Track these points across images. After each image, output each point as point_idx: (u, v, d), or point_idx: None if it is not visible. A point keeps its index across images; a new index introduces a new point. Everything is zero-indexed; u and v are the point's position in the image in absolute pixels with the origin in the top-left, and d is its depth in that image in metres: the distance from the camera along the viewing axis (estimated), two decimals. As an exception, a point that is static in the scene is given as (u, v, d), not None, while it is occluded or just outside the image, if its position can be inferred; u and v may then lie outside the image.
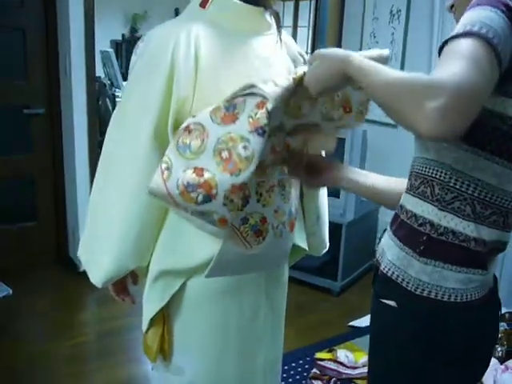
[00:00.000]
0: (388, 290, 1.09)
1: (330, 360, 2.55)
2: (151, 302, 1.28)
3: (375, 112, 3.66)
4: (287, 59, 1.30)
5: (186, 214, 1.09)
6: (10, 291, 3.13)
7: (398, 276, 1.06)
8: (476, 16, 0.85)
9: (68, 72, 3.16)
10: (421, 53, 3.28)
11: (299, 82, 1.05)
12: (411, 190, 1.08)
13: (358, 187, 1.29)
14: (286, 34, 1.32)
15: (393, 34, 3.47)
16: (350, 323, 2.98)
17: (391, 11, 3.47)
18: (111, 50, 5.77)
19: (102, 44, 6.32)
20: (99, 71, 5.51)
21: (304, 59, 1.36)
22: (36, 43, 3.28)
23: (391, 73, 0.85)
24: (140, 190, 1.14)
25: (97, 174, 1.26)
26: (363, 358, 2.56)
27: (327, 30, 4.07)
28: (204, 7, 1.18)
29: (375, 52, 1.12)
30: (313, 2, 5.56)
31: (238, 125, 1.03)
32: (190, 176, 1.03)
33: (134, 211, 1.18)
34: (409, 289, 1.04)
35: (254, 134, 1.01)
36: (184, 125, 1.09)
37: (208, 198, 1.03)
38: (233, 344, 1.32)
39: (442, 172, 1.00)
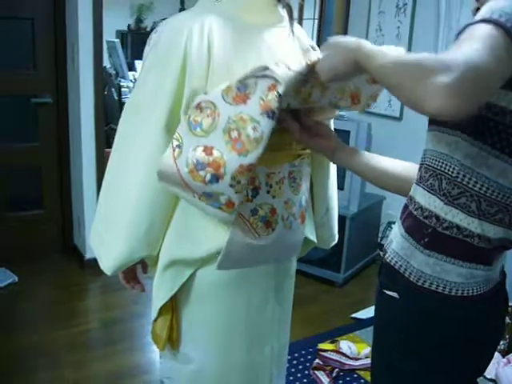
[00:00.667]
0: (391, 280, 1.11)
1: (332, 351, 2.57)
2: (161, 290, 1.28)
3: (380, 105, 3.70)
4: (299, 52, 1.31)
5: (195, 200, 1.11)
6: (16, 278, 3.15)
7: (400, 266, 1.08)
8: (496, 5, 0.84)
9: (76, 61, 3.17)
10: (427, 46, 3.28)
11: (312, 68, 1.05)
12: (420, 181, 1.08)
13: (361, 165, 1.28)
14: (298, 27, 1.33)
15: (399, 27, 3.47)
16: (353, 315, 3.00)
17: (397, 5, 3.46)
18: (117, 41, 5.77)
19: (108, 34, 6.30)
20: (105, 61, 5.51)
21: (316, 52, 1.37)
22: (44, 33, 3.29)
23: (401, 54, 0.86)
24: (152, 178, 1.15)
25: (109, 163, 1.26)
26: (366, 350, 2.59)
27: (333, 23, 4.07)
28: None
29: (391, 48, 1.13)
30: (319, -5, 5.54)
31: (249, 105, 1.04)
32: (199, 154, 1.05)
33: (146, 199, 1.19)
34: (411, 279, 1.05)
35: (264, 116, 1.02)
36: (195, 102, 1.10)
37: (216, 178, 1.04)
38: (240, 334, 1.33)
39: (450, 166, 1.00)
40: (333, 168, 1.46)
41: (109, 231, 1.26)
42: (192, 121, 1.08)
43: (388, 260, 1.12)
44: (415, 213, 1.07)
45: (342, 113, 3.58)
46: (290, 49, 1.28)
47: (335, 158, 1.30)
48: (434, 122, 1.04)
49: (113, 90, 5.05)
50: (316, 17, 5.91)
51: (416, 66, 0.80)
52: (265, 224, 1.20)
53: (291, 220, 1.26)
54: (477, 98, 0.77)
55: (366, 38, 3.69)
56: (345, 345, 2.59)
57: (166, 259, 1.25)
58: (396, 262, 1.09)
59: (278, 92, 1.02)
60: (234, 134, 1.03)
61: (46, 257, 3.40)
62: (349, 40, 0.96)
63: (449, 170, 1.00)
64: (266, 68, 1.04)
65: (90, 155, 3.28)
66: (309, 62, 1.06)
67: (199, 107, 1.08)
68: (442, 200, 1.01)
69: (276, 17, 1.25)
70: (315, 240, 1.47)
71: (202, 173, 1.05)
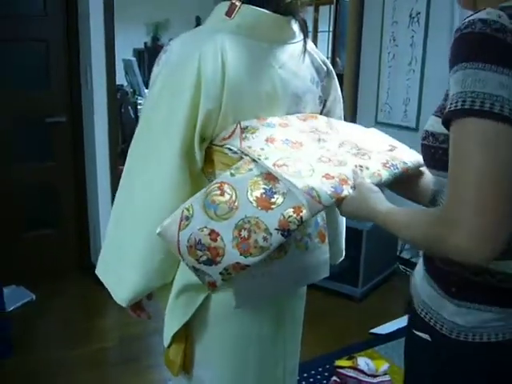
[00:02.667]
0: (421, 325, 1.01)
1: (350, 368, 2.52)
2: (175, 317, 1.25)
3: (395, 116, 3.66)
4: (311, 68, 1.29)
5: (180, 259, 1.10)
6: (33, 297, 3.17)
7: (430, 318, 0.98)
8: (470, 83, 0.75)
9: (89, 82, 3.21)
10: (441, 55, 3.24)
11: (337, 202, 1.05)
12: None
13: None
14: (310, 42, 1.30)
15: (412, 37, 3.44)
16: (372, 330, 2.95)
17: (410, 14, 3.43)
18: (133, 59, 5.85)
19: (125, 53, 6.41)
20: (122, 79, 5.59)
21: (327, 67, 1.35)
22: (58, 54, 3.34)
23: (412, 228, 0.87)
24: (165, 208, 1.12)
25: (119, 192, 1.23)
26: (384, 366, 2.53)
27: (347, 34, 4.06)
28: (230, 16, 1.15)
29: (413, 158, 1.19)
30: (332, 7, 5.55)
31: (269, 215, 1.02)
32: (203, 236, 1.03)
33: None
34: (443, 332, 0.95)
35: (279, 232, 1.01)
36: (219, 180, 1.07)
37: (210, 262, 1.04)
38: (253, 356, 1.31)
39: None
40: None
41: (121, 263, 1.23)
42: (210, 200, 1.05)
43: (415, 307, 1.03)
44: (437, 261, 0.97)
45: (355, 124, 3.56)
46: (302, 65, 1.26)
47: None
48: (433, 167, 0.96)
49: (129, 108, 5.10)
50: (330, 29, 5.92)
51: (427, 234, 0.82)
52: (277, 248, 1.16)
53: (306, 240, 1.22)
54: (505, 229, 0.74)
55: (380, 48, 3.66)
56: (362, 361, 2.53)
57: (180, 284, 1.22)
58: (426, 314, 0.99)
59: (301, 217, 1.01)
60: (245, 233, 1.02)
61: (63, 275, 3.42)
62: (367, 202, 1.00)
63: None
64: (297, 188, 1.01)
65: (105, 173, 3.30)
66: (338, 197, 1.04)
67: (221, 189, 1.05)
68: None
69: (288, 33, 1.23)
70: None
71: (199, 253, 1.04)
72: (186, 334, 1.27)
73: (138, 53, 7.50)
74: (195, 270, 1.08)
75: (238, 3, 1.14)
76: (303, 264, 1.24)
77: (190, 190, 1.14)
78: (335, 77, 1.38)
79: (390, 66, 3.63)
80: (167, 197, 1.13)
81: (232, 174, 1.06)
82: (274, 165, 1.04)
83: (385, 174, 1.12)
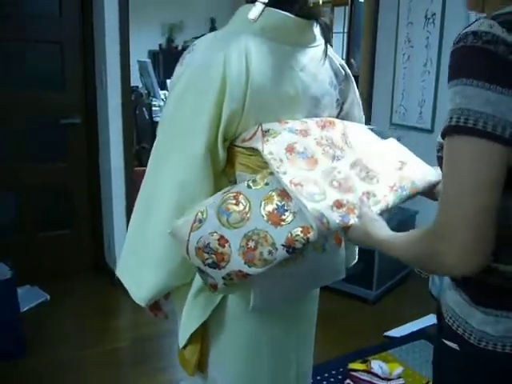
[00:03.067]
0: (450, 334, 0.99)
1: (363, 371, 2.50)
2: (192, 317, 1.25)
3: (410, 117, 3.64)
4: (330, 71, 1.30)
5: (185, 255, 1.12)
6: (48, 297, 3.20)
7: (458, 327, 0.95)
8: (458, 100, 0.76)
9: (104, 83, 3.23)
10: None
11: (344, 229, 1.09)
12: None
13: None
14: (329, 47, 1.30)
15: (428, 38, 3.41)
16: (386, 333, 2.92)
17: (426, 15, 3.40)
18: (148, 61, 5.87)
19: (140, 54, 6.44)
20: (137, 81, 5.61)
21: (345, 71, 1.35)
22: (73, 55, 3.37)
23: (410, 249, 0.90)
24: (187, 208, 1.13)
25: (141, 193, 1.23)
26: (398, 370, 2.51)
27: (362, 35, 4.04)
28: (253, 18, 1.15)
29: (423, 176, 1.23)
30: (347, 8, 5.53)
31: (278, 231, 1.05)
32: (212, 240, 1.06)
33: None
34: (471, 341, 0.93)
35: (284, 248, 1.04)
36: (236, 189, 1.09)
37: (215, 266, 1.07)
38: (266, 357, 1.31)
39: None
40: None
41: (141, 263, 1.23)
42: (224, 207, 1.08)
43: (444, 315, 1.01)
44: None
45: (370, 126, 3.53)
46: (322, 69, 1.27)
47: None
48: None
49: (144, 109, 5.12)
50: (345, 30, 5.90)
51: (423, 251, 0.85)
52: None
53: (323, 242, 1.22)
54: (490, 241, 0.77)
55: (395, 49, 3.64)
56: (376, 365, 2.51)
57: (199, 284, 1.22)
58: (454, 322, 0.97)
59: (307, 238, 1.04)
60: (252, 244, 1.05)
61: (77, 275, 3.44)
62: (370, 235, 1.03)
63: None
64: (307, 209, 1.04)
65: (119, 175, 3.31)
66: (345, 226, 1.08)
67: (236, 199, 1.08)
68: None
69: (310, 37, 1.24)
70: None
71: (206, 255, 1.07)
72: (203, 334, 1.28)
73: (152, 54, 7.53)
74: (200, 271, 1.11)
75: (261, 6, 1.14)
76: (321, 265, 1.25)
77: (212, 190, 1.15)
78: (353, 80, 1.39)
79: (405, 68, 3.60)
80: (190, 197, 1.13)
81: (249, 186, 1.09)
82: (290, 182, 1.07)
83: (391, 200, 1.16)
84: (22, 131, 3.30)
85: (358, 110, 1.42)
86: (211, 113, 1.12)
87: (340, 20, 6.05)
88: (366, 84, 3.87)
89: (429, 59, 3.43)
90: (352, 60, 5.42)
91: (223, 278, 1.08)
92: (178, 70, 1.19)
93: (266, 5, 1.14)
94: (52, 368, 2.57)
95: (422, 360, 2.66)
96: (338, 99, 1.33)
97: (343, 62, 1.36)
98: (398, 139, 3.31)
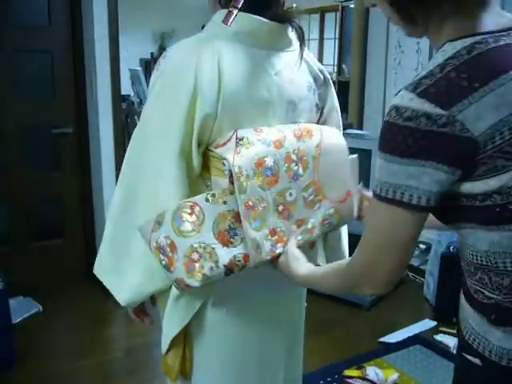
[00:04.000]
0: (471, 350, 0.96)
1: (358, 378, 2.49)
2: (173, 322, 1.25)
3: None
4: (308, 76, 1.30)
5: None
6: (41, 308, 3.17)
7: (478, 344, 0.93)
8: (384, 173, 0.82)
9: (94, 92, 3.22)
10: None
11: (273, 260, 1.17)
12: (469, 276, 0.94)
13: None
14: (307, 51, 1.31)
15: (418, 43, 3.42)
16: (381, 339, 2.91)
17: (416, 20, 3.42)
18: (140, 69, 5.86)
19: (132, 63, 6.44)
20: (128, 89, 5.61)
21: (324, 76, 1.36)
22: (63, 65, 3.36)
23: (326, 283, 1.06)
24: (163, 206, 1.13)
25: (116, 192, 1.24)
26: (393, 376, 2.50)
27: (352, 41, 4.05)
28: (226, 24, 1.16)
29: (354, 215, 1.33)
30: (338, 15, 5.55)
31: (224, 251, 1.10)
32: (165, 244, 1.10)
33: None
34: (492, 359, 0.91)
35: (225, 269, 1.10)
36: (194, 200, 1.11)
37: (167, 268, 1.11)
38: (252, 361, 1.31)
39: (484, 258, 0.88)
40: None
41: (122, 262, 1.23)
42: (179, 214, 1.10)
43: (463, 332, 0.98)
44: (475, 295, 0.94)
45: (362, 132, 3.54)
46: (298, 73, 1.27)
47: None
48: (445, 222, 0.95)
49: (136, 117, 5.12)
50: (337, 36, 5.92)
51: (343, 286, 1.01)
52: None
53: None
54: (403, 273, 0.91)
55: (386, 54, 3.65)
56: (371, 371, 2.50)
57: (178, 294, 1.22)
58: (474, 340, 0.94)
59: (245, 265, 1.12)
60: (195, 256, 1.08)
61: (69, 286, 3.40)
62: (291, 271, 1.14)
63: (487, 262, 0.89)
64: (251, 243, 1.12)
65: (111, 183, 3.30)
66: (273, 255, 1.16)
67: (192, 209, 1.10)
68: (497, 295, 0.89)
69: (285, 41, 1.24)
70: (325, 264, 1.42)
71: (161, 256, 1.11)
72: (185, 339, 1.27)
73: (144, 63, 7.54)
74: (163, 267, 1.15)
75: (234, 11, 1.14)
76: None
77: (188, 191, 1.16)
78: (332, 85, 1.40)
79: (395, 73, 3.61)
80: (166, 195, 1.14)
81: (207, 200, 1.11)
82: (245, 205, 1.10)
83: (316, 233, 1.25)
84: (13, 141, 3.29)
85: (336, 115, 1.42)
86: (183, 115, 1.12)
87: (331, 26, 6.07)
88: (358, 89, 3.88)
89: (419, 64, 3.44)
90: (343, 65, 5.44)
91: (174, 281, 1.11)
92: (154, 75, 1.21)
93: (240, 10, 1.15)
94: (44, 379, 2.54)
95: (417, 365, 2.65)
96: (317, 104, 1.33)
97: (322, 67, 1.36)
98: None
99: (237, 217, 1.11)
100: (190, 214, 1.09)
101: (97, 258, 1.30)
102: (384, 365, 2.63)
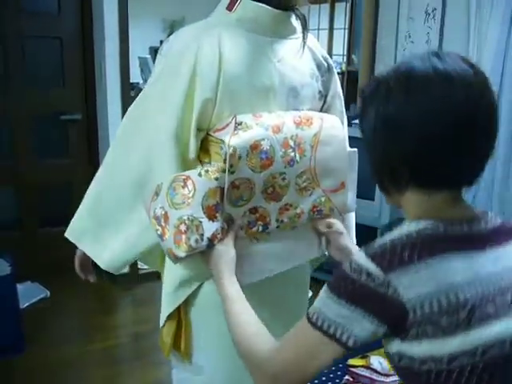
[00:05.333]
0: None
1: (363, 367, 2.50)
2: (169, 299, 1.29)
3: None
4: (312, 63, 1.31)
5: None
6: (48, 293, 3.20)
7: None
8: (324, 304, 0.88)
9: (103, 79, 3.23)
10: (458, 52, 3.20)
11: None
12: None
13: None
14: (311, 38, 1.32)
15: (428, 33, 3.39)
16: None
17: (426, 10, 3.38)
18: (148, 57, 5.83)
19: (141, 51, 6.39)
20: (138, 77, 5.59)
21: (328, 63, 1.36)
22: (73, 51, 3.37)
23: (237, 330, 1.03)
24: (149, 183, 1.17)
25: (107, 158, 1.28)
26: (397, 365, 2.50)
27: (362, 31, 4.02)
28: (230, 10, 1.19)
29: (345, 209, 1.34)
30: (348, 4, 5.50)
31: (209, 225, 1.11)
32: (159, 214, 1.13)
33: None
34: None
35: (207, 242, 1.12)
36: (188, 173, 1.13)
37: (161, 238, 1.13)
38: None
39: None
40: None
41: (104, 227, 1.28)
42: (173, 186, 1.13)
43: None
44: None
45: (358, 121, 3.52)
46: (301, 60, 1.27)
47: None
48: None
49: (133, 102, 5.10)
50: (346, 26, 5.88)
51: (247, 358, 0.99)
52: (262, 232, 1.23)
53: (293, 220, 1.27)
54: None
55: (396, 45, 3.62)
56: (376, 360, 2.51)
57: (177, 273, 1.26)
58: None
59: (222, 238, 1.13)
60: (183, 227, 1.10)
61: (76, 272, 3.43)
62: (218, 274, 1.13)
63: None
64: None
65: (119, 170, 3.31)
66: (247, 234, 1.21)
67: (185, 182, 1.12)
68: None
69: (289, 28, 1.25)
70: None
71: (157, 226, 1.13)
72: (179, 316, 1.30)
73: (153, 51, 7.51)
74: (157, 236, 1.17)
75: None
76: (291, 242, 1.29)
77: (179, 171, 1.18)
78: (335, 72, 1.40)
79: (405, 63, 3.59)
80: (156, 171, 1.17)
81: (200, 174, 1.13)
82: (231, 183, 1.13)
83: (303, 219, 1.27)
84: (22, 128, 3.31)
85: (340, 103, 1.42)
86: (181, 98, 1.14)
87: (341, 16, 6.02)
88: (367, 80, 3.85)
89: (429, 55, 3.41)
90: (353, 55, 5.40)
91: (166, 251, 1.13)
92: (157, 59, 1.25)
93: None
94: (52, 364, 2.57)
95: (421, 356, 2.66)
96: (320, 91, 1.33)
97: (326, 54, 1.37)
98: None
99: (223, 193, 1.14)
100: (183, 187, 1.11)
101: (73, 220, 1.35)
102: (388, 355, 2.63)
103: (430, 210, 0.92)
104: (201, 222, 1.10)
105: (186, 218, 1.09)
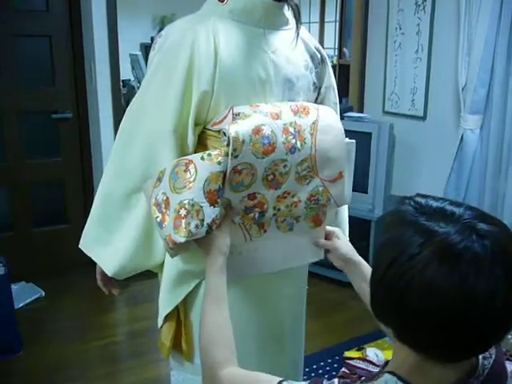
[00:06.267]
0: None
1: (359, 359, 2.50)
2: (166, 299, 1.29)
3: (403, 105, 3.61)
4: (305, 54, 1.31)
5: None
6: (43, 293, 3.19)
7: None
8: None
9: (93, 77, 3.21)
10: (448, 43, 3.20)
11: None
12: None
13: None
14: (304, 29, 1.32)
15: (418, 25, 3.39)
16: (381, 321, 2.93)
17: (416, 2, 3.37)
18: (139, 53, 5.81)
19: (132, 47, 6.37)
20: (129, 74, 5.57)
21: (321, 54, 1.36)
22: (62, 49, 3.34)
23: (207, 333, 1.03)
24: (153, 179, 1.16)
25: (110, 163, 1.27)
26: (393, 357, 2.51)
27: (353, 24, 4.02)
28: (222, 1, 1.18)
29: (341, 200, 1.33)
30: (338, -3, 5.50)
31: (210, 210, 1.09)
32: (162, 200, 1.11)
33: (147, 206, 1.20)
34: None
35: (207, 227, 1.10)
36: (190, 157, 1.11)
37: (160, 225, 1.12)
38: (252, 343, 1.32)
39: None
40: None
41: (111, 234, 1.27)
42: (175, 170, 1.11)
43: None
44: None
45: (362, 114, 3.53)
46: (295, 51, 1.27)
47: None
48: None
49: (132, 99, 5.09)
50: (337, 19, 5.87)
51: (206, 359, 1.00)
52: (258, 226, 1.23)
53: (291, 222, 1.27)
54: None
55: (386, 36, 3.62)
56: (372, 352, 2.52)
57: (175, 269, 1.25)
58: None
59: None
60: (183, 212, 1.08)
61: (71, 271, 3.40)
62: (209, 261, 1.11)
63: None
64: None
65: (112, 168, 3.30)
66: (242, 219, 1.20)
67: (187, 166, 1.10)
68: None
69: (281, 19, 1.25)
70: None
71: (157, 213, 1.12)
72: (179, 317, 1.30)
73: (144, 47, 7.47)
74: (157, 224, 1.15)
75: None
76: (288, 244, 1.28)
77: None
78: (329, 64, 1.40)
79: (396, 55, 3.58)
80: (155, 171, 1.16)
81: (202, 158, 1.11)
82: (234, 168, 1.11)
83: (300, 207, 1.25)
84: (13, 127, 3.29)
85: (334, 95, 1.42)
86: (179, 92, 1.13)
87: (332, 9, 6.01)
88: (358, 72, 3.85)
89: (420, 46, 3.41)
90: (344, 48, 5.40)
91: (164, 239, 1.11)
92: (151, 54, 1.23)
93: None
94: (49, 363, 2.57)
95: (417, 347, 2.67)
96: (314, 82, 1.33)
97: (319, 45, 1.36)
98: (391, 126, 3.32)
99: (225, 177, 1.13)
100: (185, 171, 1.09)
101: (84, 232, 1.34)
102: (385, 346, 2.64)
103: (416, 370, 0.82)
104: (202, 206, 1.08)
105: (186, 202, 1.07)
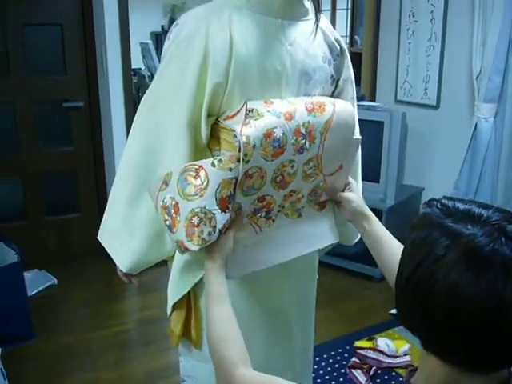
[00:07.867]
0: None
1: (369, 349, 2.51)
2: (174, 287, 1.29)
3: (416, 94, 3.56)
4: (324, 46, 1.27)
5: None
6: (55, 281, 3.22)
7: None
8: None
9: (105, 66, 3.21)
10: (461, 31, 3.15)
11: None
12: None
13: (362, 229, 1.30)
14: (324, 19, 1.28)
15: (432, 12, 3.34)
16: (392, 311, 2.92)
17: (430, -12, 3.34)
18: (150, 42, 5.80)
19: (142, 36, 6.37)
20: (139, 63, 5.57)
21: (340, 46, 1.32)
22: (73, 38, 3.34)
23: (215, 335, 1.01)
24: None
25: (123, 162, 1.26)
26: (404, 347, 2.51)
27: (365, 11, 3.97)
28: None
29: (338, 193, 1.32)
30: (351, -16, 5.45)
31: (222, 217, 1.08)
32: (170, 204, 1.10)
33: None
34: None
35: (218, 233, 1.09)
36: (200, 163, 1.10)
37: (170, 229, 1.11)
38: (260, 331, 1.32)
39: None
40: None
41: (125, 229, 1.25)
42: (184, 176, 1.09)
43: None
44: None
45: (374, 103, 3.50)
46: (314, 43, 1.23)
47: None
48: None
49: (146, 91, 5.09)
50: (349, 7, 5.82)
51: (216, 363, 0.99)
52: (266, 218, 1.22)
53: (298, 208, 1.27)
54: None
55: (399, 24, 3.57)
56: (382, 342, 2.52)
57: (183, 261, 1.25)
58: None
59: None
60: (196, 220, 1.07)
61: (83, 259, 3.44)
62: (208, 259, 1.11)
63: None
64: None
65: (123, 157, 3.31)
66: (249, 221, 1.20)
67: (198, 172, 1.09)
68: None
69: (300, 10, 1.21)
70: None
71: (166, 216, 1.11)
72: (188, 306, 1.30)
73: (155, 36, 7.46)
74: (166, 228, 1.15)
75: None
76: (298, 230, 1.28)
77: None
78: (348, 56, 1.35)
79: (409, 43, 3.54)
80: (177, 161, 1.14)
81: (213, 164, 1.09)
82: (245, 173, 1.10)
83: (302, 202, 1.27)
84: (25, 116, 3.30)
85: (352, 88, 1.38)
86: (194, 84, 1.11)
87: (344, -4, 5.96)
88: (370, 61, 3.82)
89: (433, 34, 3.36)
90: (356, 36, 5.36)
91: (176, 242, 1.11)
92: (166, 44, 1.20)
93: None
94: (61, 350, 2.60)
95: (428, 337, 2.67)
96: (332, 75, 1.30)
97: (339, 36, 1.32)
98: (403, 115, 3.29)
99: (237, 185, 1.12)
100: (195, 177, 1.07)
101: (101, 224, 1.32)
102: (395, 336, 2.64)
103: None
104: (214, 214, 1.07)
105: (198, 210, 1.06)
